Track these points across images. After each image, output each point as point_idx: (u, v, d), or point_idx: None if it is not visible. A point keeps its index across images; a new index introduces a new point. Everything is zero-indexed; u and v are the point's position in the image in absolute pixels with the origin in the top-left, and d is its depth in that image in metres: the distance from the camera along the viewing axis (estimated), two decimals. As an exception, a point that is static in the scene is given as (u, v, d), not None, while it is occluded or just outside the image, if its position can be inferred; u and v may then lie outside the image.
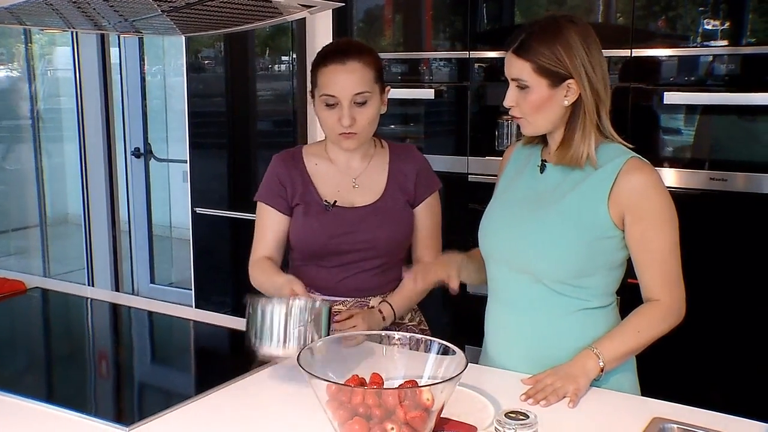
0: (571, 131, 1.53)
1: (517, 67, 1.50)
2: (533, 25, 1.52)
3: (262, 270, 1.79)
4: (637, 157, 1.53)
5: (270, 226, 1.84)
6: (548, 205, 1.56)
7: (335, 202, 1.81)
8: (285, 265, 1.89)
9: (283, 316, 1.44)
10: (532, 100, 1.51)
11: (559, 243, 1.53)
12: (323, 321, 1.46)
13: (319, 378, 1.21)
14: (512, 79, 1.53)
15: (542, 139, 1.63)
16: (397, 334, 1.48)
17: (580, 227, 1.52)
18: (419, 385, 1.26)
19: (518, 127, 1.61)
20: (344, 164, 1.84)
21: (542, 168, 1.61)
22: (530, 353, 1.59)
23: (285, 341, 1.44)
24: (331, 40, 3.04)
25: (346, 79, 1.71)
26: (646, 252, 1.52)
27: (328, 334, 1.47)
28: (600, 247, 1.53)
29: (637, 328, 1.51)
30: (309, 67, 1.82)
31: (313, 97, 1.80)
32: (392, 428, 1.16)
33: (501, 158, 1.77)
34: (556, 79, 1.49)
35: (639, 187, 1.49)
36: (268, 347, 1.45)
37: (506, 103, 1.55)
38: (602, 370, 1.48)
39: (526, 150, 1.68)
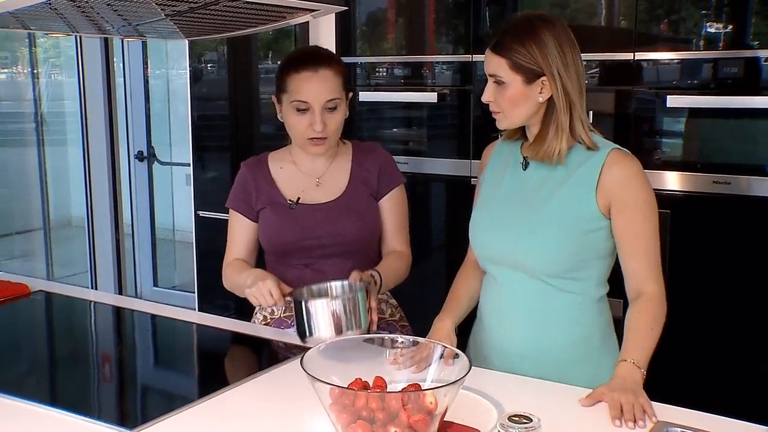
0: (545, 128, 1.58)
1: (494, 64, 1.57)
2: (510, 24, 1.58)
3: (232, 269, 1.90)
4: (618, 148, 1.58)
5: (239, 230, 1.93)
6: (538, 203, 1.60)
7: (298, 199, 1.87)
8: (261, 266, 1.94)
9: (327, 311, 1.57)
10: (508, 95, 1.57)
11: (553, 239, 1.57)
12: (360, 306, 1.61)
13: (322, 381, 1.21)
14: (490, 75, 1.59)
15: (522, 135, 1.68)
16: (400, 338, 1.48)
17: (572, 222, 1.56)
18: (422, 388, 1.26)
19: None
20: (308, 166, 1.91)
21: (525, 165, 1.65)
22: (526, 345, 1.63)
23: (333, 330, 1.57)
24: (333, 44, 3.05)
25: (319, 86, 1.77)
26: (633, 239, 1.55)
27: (368, 314, 1.63)
28: (591, 239, 1.57)
29: (650, 326, 1.53)
30: (279, 66, 1.87)
31: (279, 101, 1.85)
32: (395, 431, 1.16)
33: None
34: (530, 75, 1.55)
35: (623, 176, 1.55)
36: (318, 337, 1.58)
37: (484, 98, 1.61)
38: (643, 377, 1.48)
39: (506, 146, 1.72)
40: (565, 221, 1.56)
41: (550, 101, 1.56)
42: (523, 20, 1.58)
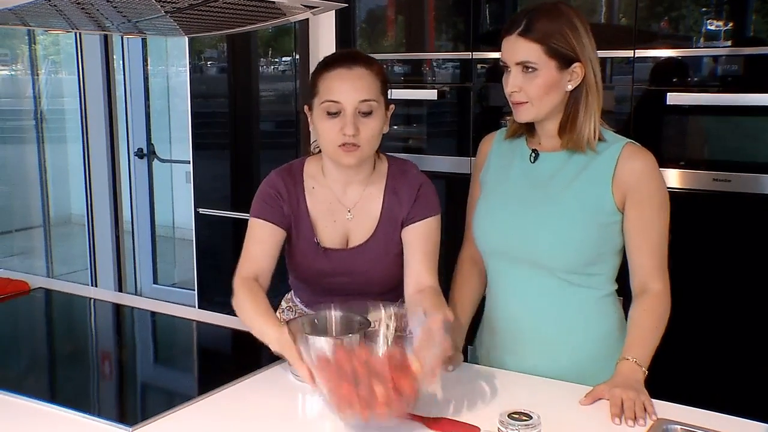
0: (573, 115, 1.54)
1: (525, 50, 1.50)
2: (534, 10, 1.52)
3: (251, 299, 1.60)
4: (632, 142, 1.56)
5: (262, 242, 1.69)
6: (551, 195, 1.56)
7: (324, 249, 1.72)
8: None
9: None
10: (540, 83, 1.51)
11: (569, 232, 1.54)
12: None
13: (310, 335, 1.23)
14: (517, 63, 1.52)
15: (526, 130, 1.64)
16: (391, 306, 1.46)
17: (587, 214, 1.54)
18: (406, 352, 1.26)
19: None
20: (341, 191, 1.72)
21: (534, 158, 1.61)
22: (543, 346, 1.60)
23: None
24: (333, 41, 3.05)
25: (352, 85, 1.59)
26: (643, 234, 1.54)
27: None
28: (606, 233, 1.55)
29: (655, 325, 1.53)
30: (311, 71, 1.70)
31: (310, 108, 1.67)
32: (379, 391, 1.16)
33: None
34: (564, 61, 1.50)
35: (639, 170, 1.53)
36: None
37: (510, 88, 1.54)
38: (645, 376, 1.48)
39: (507, 143, 1.67)
40: (581, 214, 1.54)
41: (574, 90, 1.53)
42: (549, 5, 1.53)
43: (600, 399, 1.42)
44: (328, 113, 1.60)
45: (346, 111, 1.58)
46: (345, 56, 1.66)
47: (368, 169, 1.71)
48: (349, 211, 1.72)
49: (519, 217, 1.59)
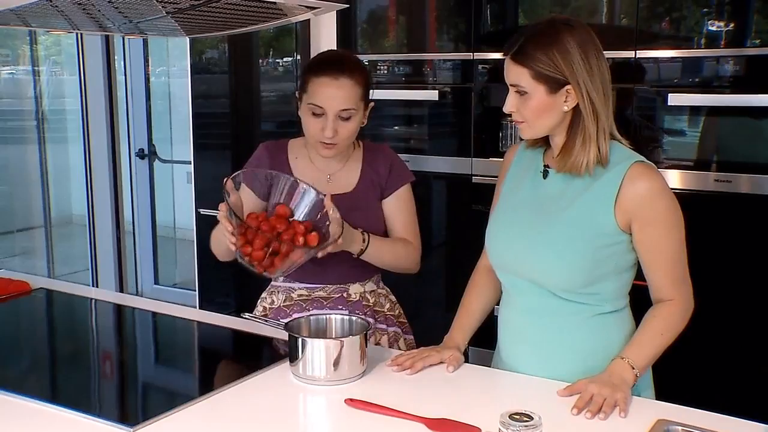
0: (572, 138, 1.51)
1: (515, 73, 1.49)
2: (531, 30, 1.50)
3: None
4: (641, 162, 1.50)
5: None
6: (553, 214, 1.54)
7: None
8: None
9: (325, 352, 1.51)
10: (533, 105, 1.49)
11: (565, 254, 1.51)
12: (359, 347, 1.55)
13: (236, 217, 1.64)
14: (511, 85, 1.51)
15: (545, 142, 1.62)
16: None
17: (586, 236, 1.50)
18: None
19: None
20: (321, 162, 1.91)
21: (545, 174, 1.59)
22: (544, 358, 1.58)
23: (334, 369, 1.52)
24: (334, 42, 3.06)
25: (336, 95, 1.77)
26: (655, 255, 1.51)
27: (365, 356, 1.57)
28: (607, 253, 1.52)
29: (661, 331, 1.51)
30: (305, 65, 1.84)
31: (299, 99, 1.84)
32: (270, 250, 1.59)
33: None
34: (554, 85, 1.47)
35: (645, 193, 1.48)
36: (311, 375, 1.53)
37: (506, 109, 1.54)
38: (636, 378, 1.47)
39: (528, 153, 1.66)
40: (578, 236, 1.50)
41: (576, 110, 1.49)
42: (546, 25, 1.50)
43: (577, 392, 1.43)
44: (313, 113, 1.80)
45: (328, 116, 1.78)
46: (333, 63, 1.80)
47: (346, 151, 1.91)
48: (329, 175, 1.90)
49: (519, 234, 1.58)
